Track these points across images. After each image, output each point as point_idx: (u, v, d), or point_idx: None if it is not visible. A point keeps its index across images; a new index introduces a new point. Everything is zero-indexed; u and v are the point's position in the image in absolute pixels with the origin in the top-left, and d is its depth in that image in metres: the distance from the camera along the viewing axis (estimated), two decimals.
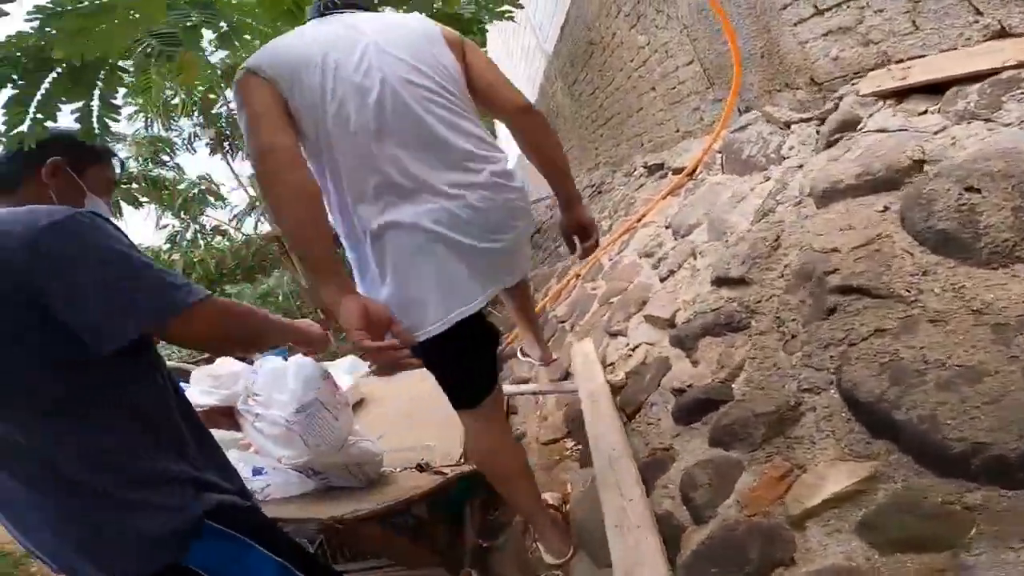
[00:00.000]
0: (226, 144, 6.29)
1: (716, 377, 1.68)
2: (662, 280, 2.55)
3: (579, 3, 5.35)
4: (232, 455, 1.75)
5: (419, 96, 1.32)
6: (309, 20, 1.44)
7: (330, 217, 1.33)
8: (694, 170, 3.26)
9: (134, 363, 1.03)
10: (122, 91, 6.30)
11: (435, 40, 1.42)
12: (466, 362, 1.49)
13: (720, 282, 1.98)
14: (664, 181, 3.82)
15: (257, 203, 6.35)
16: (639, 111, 4.77)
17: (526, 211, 1.51)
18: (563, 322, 3.47)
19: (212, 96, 5.93)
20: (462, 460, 2.10)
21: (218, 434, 1.35)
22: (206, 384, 1.79)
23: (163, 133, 7.28)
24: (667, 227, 3.03)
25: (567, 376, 2.73)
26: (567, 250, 1.84)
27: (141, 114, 6.28)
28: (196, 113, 6.22)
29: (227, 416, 1.74)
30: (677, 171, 3.57)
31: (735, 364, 1.63)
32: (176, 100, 6.27)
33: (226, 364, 1.89)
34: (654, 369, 2.01)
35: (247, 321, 1.16)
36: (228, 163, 6.44)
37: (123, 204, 6.09)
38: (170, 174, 6.85)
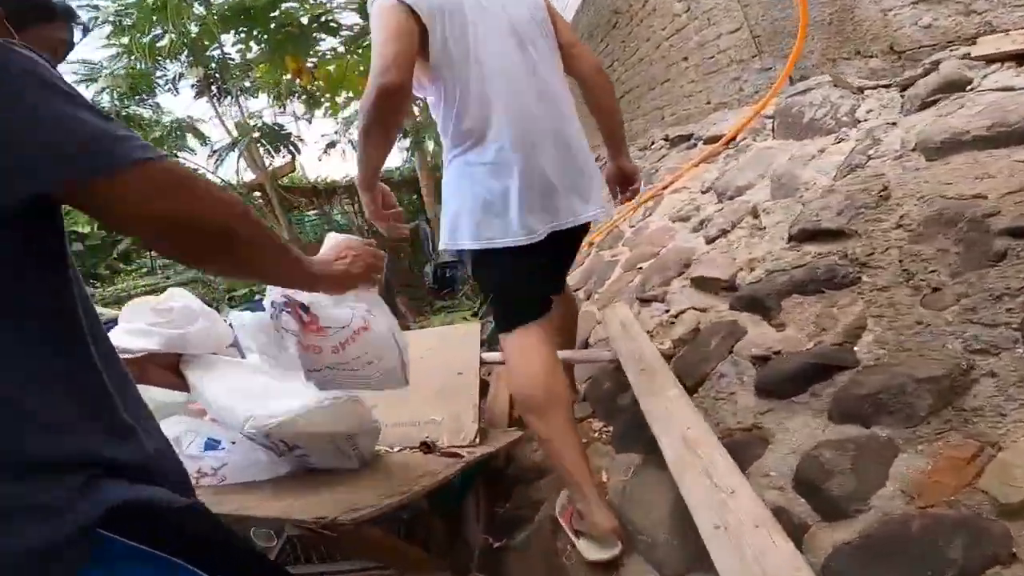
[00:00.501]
0: (214, 87, 5.79)
1: (821, 340, 1.42)
2: (710, 242, 2.30)
3: None
4: (175, 425, 1.34)
5: (538, 46, 1.54)
6: None
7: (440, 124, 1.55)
8: (733, 137, 3.04)
9: (37, 262, 0.64)
10: (106, 28, 5.54)
11: (544, 19, 1.61)
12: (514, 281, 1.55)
13: (804, 236, 1.74)
14: (693, 151, 3.59)
15: (239, 146, 5.91)
16: (664, 83, 4.53)
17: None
18: (576, 290, 3.20)
19: (207, 42, 5.46)
20: (477, 439, 1.70)
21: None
22: (143, 320, 1.28)
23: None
24: (705, 191, 2.81)
25: (587, 346, 2.45)
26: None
27: (125, 55, 5.70)
28: (186, 53, 5.70)
29: (169, 368, 1.27)
30: (711, 140, 3.35)
31: (849, 324, 1.37)
32: (164, 41, 5.74)
33: (178, 297, 1.41)
34: (720, 335, 1.74)
35: (232, 213, 0.73)
36: (214, 106, 5.95)
37: None
38: (148, 112, 6.27)
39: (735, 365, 1.62)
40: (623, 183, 1.82)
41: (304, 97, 6.41)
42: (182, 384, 1.27)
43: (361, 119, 1.38)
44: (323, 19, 5.12)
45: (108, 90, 5.63)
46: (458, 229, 1.51)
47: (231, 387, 1.26)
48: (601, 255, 3.37)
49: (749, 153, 2.69)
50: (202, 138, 6.19)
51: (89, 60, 5.79)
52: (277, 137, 6.11)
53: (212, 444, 1.38)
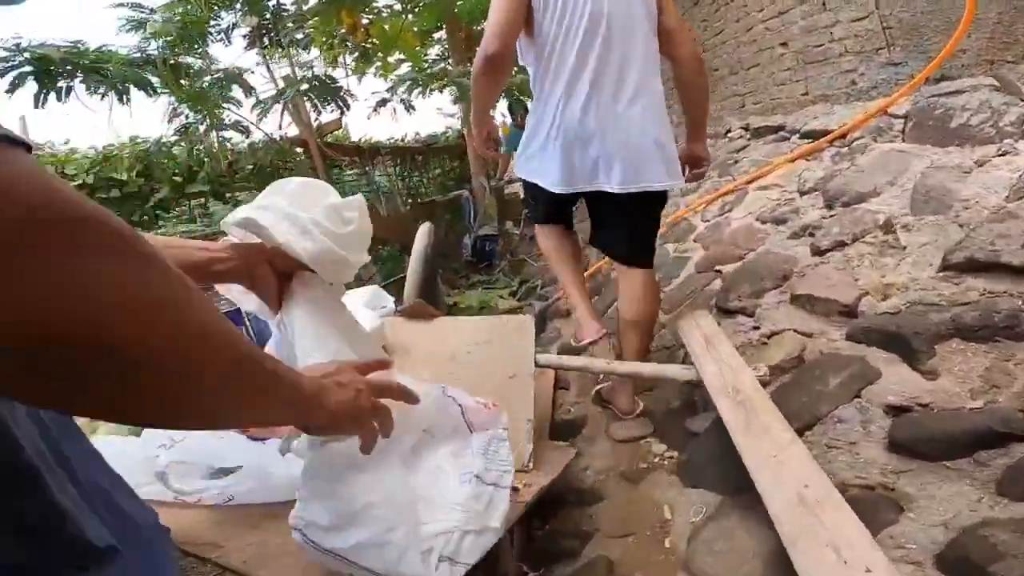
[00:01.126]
0: (265, 38, 5.42)
1: (992, 400, 1.12)
2: (819, 253, 1.94)
3: None
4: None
5: (639, 30, 1.68)
6: None
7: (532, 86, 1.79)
8: (845, 134, 2.65)
9: None
10: None
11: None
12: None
13: (971, 268, 1.39)
14: (784, 146, 3.20)
15: (285, 96, 5.58)
16: (751, 68, 4.12)
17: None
18: None
19: None
20: (531, 463, 1.44)
21: None
22: (307, 214, 0.96)
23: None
24: (806, 192, 2.45)
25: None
26: None
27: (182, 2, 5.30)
28: (240, 2, 5.35)
29: (277, 276, 0.92)
30: (809, 135, 2.96)
31: None
32: None
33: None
34: (842, 373, 1.40)
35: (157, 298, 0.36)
36: (263, 57, 5.58)
37: (133, 89, 5.12)
38: (197, 63, 5.89)
39: (861, 412, 1.30)
40: (691, 165, 1.95)
41: (356, 54, 6.02)
42: (274, 299, 0.92)
43: (474, 70, 1.68)
44: None
45: (156, 36, 5.25)
46: (519, 156, 1.87)
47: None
48: (666, 248, 3.00)
49: (871, 154, 2.30)
50: (249, 90, 5.75)
51: (140, 4, 5.32)
52: (327, 91, 5.69)
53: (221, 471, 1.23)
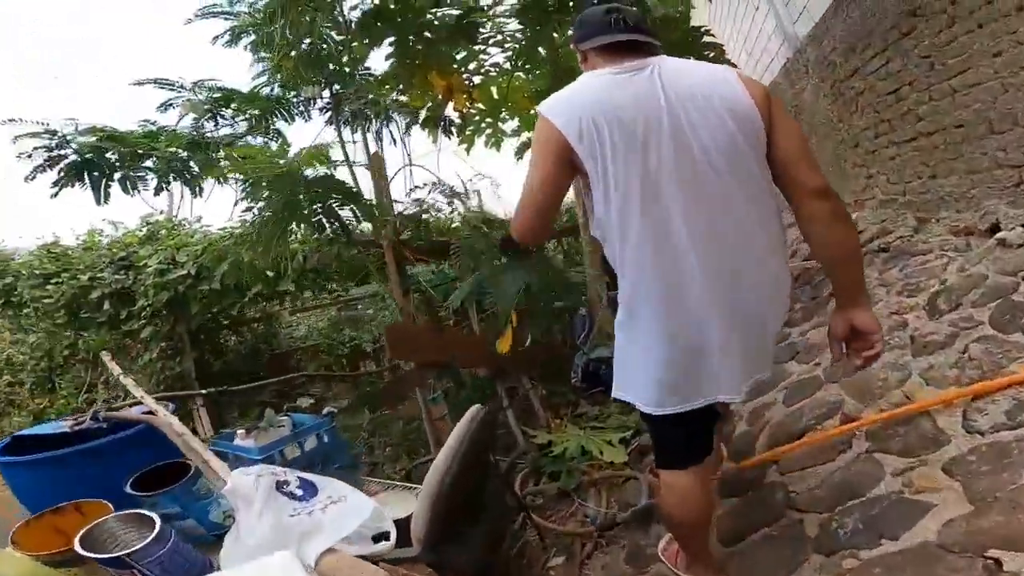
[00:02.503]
0: (345, 109, 4.15)
1: None
2: None
3: None
4: None
5: (733, 175, 1.33)
6: (595, 39, 1.46)
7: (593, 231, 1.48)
8: None
9: None
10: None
11: (752, 125, 1.33)
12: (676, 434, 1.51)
13: None
14: None
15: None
16: None
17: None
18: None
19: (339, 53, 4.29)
20: None
21: None
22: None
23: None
24: None
25: None
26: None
27: (275, 71, 4.14)
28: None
29: None
30: None
31: None
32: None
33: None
34: None
35: None
36: (339, 136, 4.25)
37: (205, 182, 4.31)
38: (274, 144, 4.22)
39: None
40: (855, 342, 1.47)
41: (459, 125, 4.90)
42: None
43: (517, 221, 1.49)
44: (468, 21, 3.76)
45: (241, 117, 4.31)
46: (618, 369, 1.52)
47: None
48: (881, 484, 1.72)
49: None
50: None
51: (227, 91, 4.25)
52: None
53: None
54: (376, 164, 4.12)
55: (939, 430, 1.81)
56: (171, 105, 3.80)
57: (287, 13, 3.13)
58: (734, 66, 3.96)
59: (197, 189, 4.19)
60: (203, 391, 3.99)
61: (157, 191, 3.91)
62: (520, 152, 6.72)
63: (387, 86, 4.35)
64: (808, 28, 5.07)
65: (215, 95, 3.89)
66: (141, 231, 5.57)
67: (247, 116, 4.07)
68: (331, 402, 5.17)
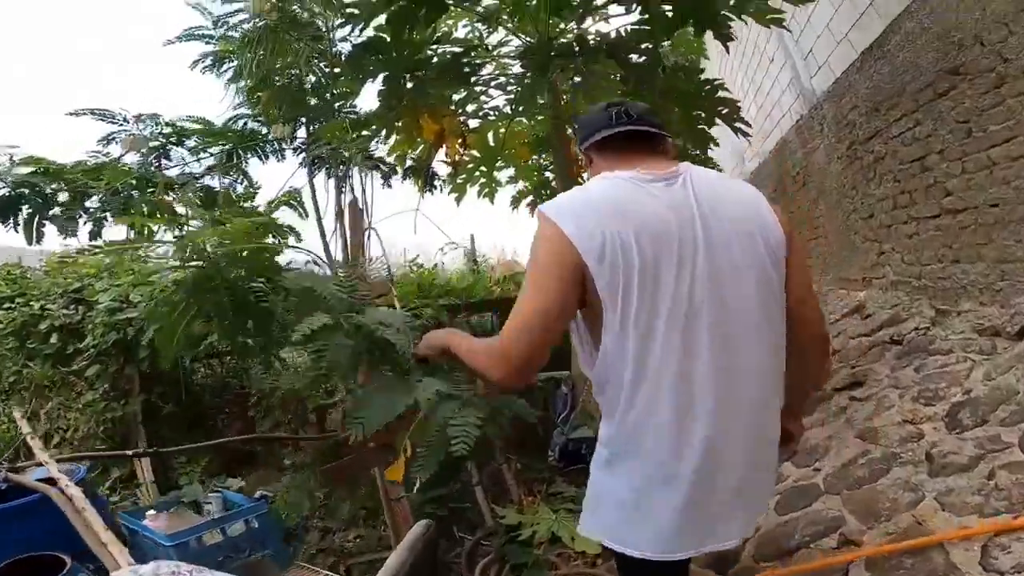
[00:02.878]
0: (323, 152, 3.77)
1: None
2: None
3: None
4: None
5: (762, 348, 1.24)
6: (597, 134, 1.34)
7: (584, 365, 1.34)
8: None
9: None
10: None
11: (780, 259, 1.25)
12: None
13: None
14: None
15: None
16: None
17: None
18: None
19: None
20: None
21: None
22: None
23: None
24: None
25: None
26: None
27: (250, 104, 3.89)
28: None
29: None
30: None
31: None
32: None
33: None
34: None
35: None
36: (310, 182, 3.81)
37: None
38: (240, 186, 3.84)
39: None
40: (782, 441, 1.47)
41: (449, 174, 4.51)
42: None
43: (481, 369, 1.29)
44: (467, 61, 3.52)
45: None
46: (588, 514, 1.36)
47: None
48: None
49: None
50: (292, 235, 4.16)
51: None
52: None
53: None
54: (352, 217, 3.76)
55: (952, 566, 1.63)
56: (114, 139, 3.39)
57: (266, 41, 2.86)
58: (748, 124, 3.75)
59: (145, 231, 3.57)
60: (127, 452, 3.61)
61: (92, 235, 3.39)
62: (515, 202, 6.45)
63: (367, 129, 4.00)
64: (827, 83, 4.81)
65: (164, 129, 3.48)
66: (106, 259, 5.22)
67: (217, 151, 3.67)
68: (291, 456, 4.79)
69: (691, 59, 4.47)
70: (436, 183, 4.63)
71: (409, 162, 4.42)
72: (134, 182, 3.33)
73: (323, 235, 3.71)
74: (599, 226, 1.13)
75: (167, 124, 3.39)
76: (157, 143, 3.36)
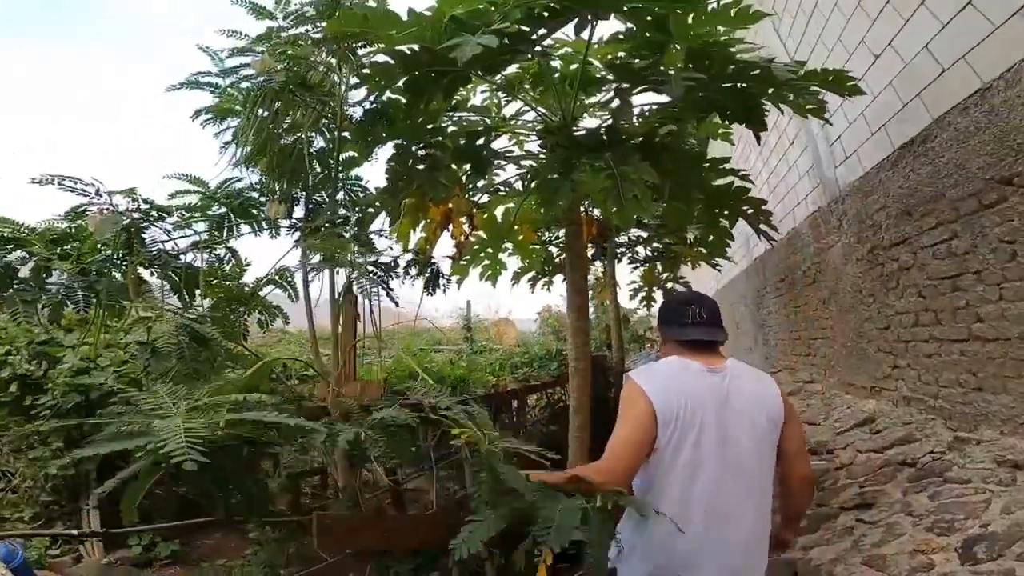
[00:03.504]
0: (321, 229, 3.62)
1: None
2: None
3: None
4: None
5: (752, 482, 1.73)
6: (678, 332, 1.90)
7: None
8: None
9: None
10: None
11: (777, 427, 1.79)
12: None
13: None
14: None
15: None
16: None
17: None
18: None
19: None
20: None
21: None
22: None
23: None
24: None
25: None
26: None
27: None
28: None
29: None
30: None
31: None
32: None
33: None
34: None
35: None
36: (304, 265, 3.60)
37: None
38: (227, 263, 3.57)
39: None
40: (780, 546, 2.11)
41: (452, 256, 4.20)
42: None
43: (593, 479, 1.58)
44: (486, 141, 3.28)
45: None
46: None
47: None
48: None
49: None
50: (292, 293, 3.86)
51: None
52: None
53: None
54: (347, 315, 3.46)
55: None
56: (85, 211, 2.97)
57: (269, 102, 2.65)
58: (774, 228, 3.55)
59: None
60: (72, 532, 3.25)
61: (52, 319, 2.90)
62: (516, 278, 6.23)
63: (372, 208, 3.74)
64: (853, 177, 4.57)
65: (144, 205, 3.01)
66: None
67: (210, 215, 3.33)
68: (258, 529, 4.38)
69: (696, 145, 4.29)
70: (441, 281, 4.31)
71: (410, 253, 4.18)
72: (109, 258, 2.94)
73: (311, 321, 3.41)
74: (668, 396, 1.73)
75: (144, 201, 2.98)
76: (131, 222, 2.92)
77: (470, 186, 4.03)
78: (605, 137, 2.71)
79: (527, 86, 3.80)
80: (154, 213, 3.03)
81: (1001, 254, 2.87)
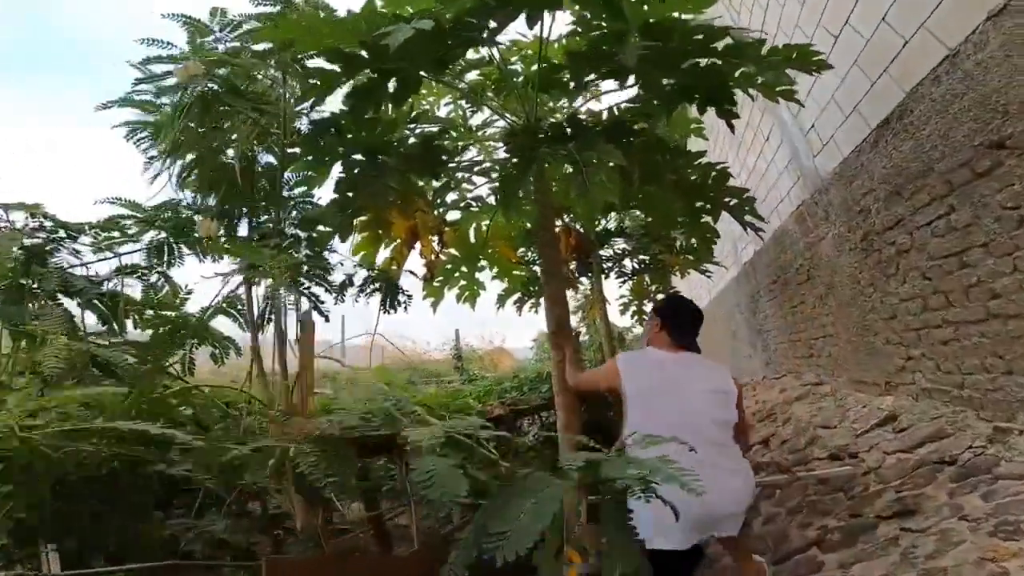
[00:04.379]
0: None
1: None
2: None
3: None
4: None
5: (714, 425, 2.32)
6: (677, 330, 2.57)
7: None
8: None
9: None
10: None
11: (732, 399, 2.42)
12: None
13: None
14: None
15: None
16: None
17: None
18: None
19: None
20: None
21: None
22: None
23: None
24: None
25: None
26: None
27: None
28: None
29: None
30: None
31: None
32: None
33: None
34: None
35: None
36: (248, 288, 3.41)
37: None
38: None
39: None
40: None
41: (424, 276, 3.86)
42: None
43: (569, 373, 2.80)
44: (437, 144, 3.03)
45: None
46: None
47: None
48: None
49: None
50: (242, 323, 3.60)
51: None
52: None
53: None
54: (305, 341, 3.17)
55: None
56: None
57: (194, 111, 2.39)
58: (761, 219, 3.34)
59: None
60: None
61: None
62: (501, 301, 5.90)
63: (317, 229, 3.46)
64: (834, 164, 4.40)
65: (46, 223, 2.70)
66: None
67: (147, 239, 3.05)
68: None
69: (678, 139, 4.11)
70: (401, 299, 4.01)
71: (367, 272, 3.90)
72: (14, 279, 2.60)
73: (257, 355, 3.10)
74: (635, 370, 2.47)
75: (47, 218, 2.67)
76: (35, 243, 2.59)
77: (438, 200, 3.79)
78: (568, 128, 2.49)
79: (490, 93, 3.61)
80: (61, 232, 2.71)
81: (1007, 222, 2.67)
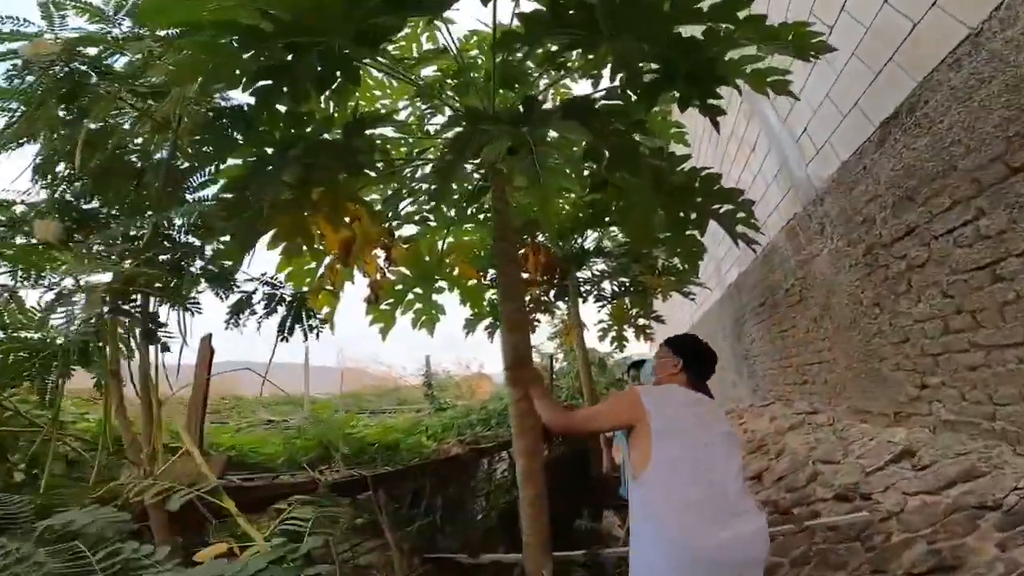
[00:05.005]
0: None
1: None
2: None
3: None
4: None
5: (736, 468, 2.17)
6: (697, 372, 2.45)
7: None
8: None
9: None
10: None
11: (740, 443, 2.38)
12: None
13: None
14: None
15: None
16: None
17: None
18: None
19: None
20: None
21: None
22: None
23: None
24: None
25: None
26: None
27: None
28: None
29: None
30: None
31: None
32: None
33: None
34: None
35: None
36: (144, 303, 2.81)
37: None
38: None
39: None
40: None
41: (367, 298, 3.34)
42: None
43: (543, 412, 2.42)
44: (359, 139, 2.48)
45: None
46: None
47: None
48: None
49: None
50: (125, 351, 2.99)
51: None
52: None
53: None
54: (200, 364, 2.60)
55: None
56: None
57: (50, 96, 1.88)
58: (757, 229, 2.89)
59: None
60: None
61: None
62: (470, 326, 5.38)
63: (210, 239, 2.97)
64: (830, 171, 3.97)
65: None
66: None
67: None
68: None
69: (661, 144, 3.67)
70: (314, 323, 3.43)
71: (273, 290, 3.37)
72: None
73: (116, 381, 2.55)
74: (662, 408, 2.24)
75: None
76: None
77: (388, 213, 3.28)
78: (522, 108, 2.00)
79: (450, 93, 3.14)
80: None
81: None
